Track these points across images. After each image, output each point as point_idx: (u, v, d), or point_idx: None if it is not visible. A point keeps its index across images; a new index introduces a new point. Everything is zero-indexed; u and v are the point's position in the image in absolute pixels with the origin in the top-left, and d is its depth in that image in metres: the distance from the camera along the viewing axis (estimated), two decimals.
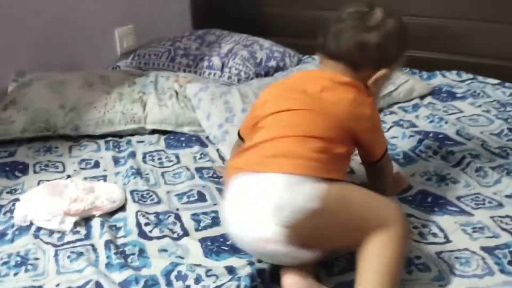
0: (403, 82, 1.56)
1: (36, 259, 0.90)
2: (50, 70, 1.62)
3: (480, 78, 1.71)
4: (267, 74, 1.77)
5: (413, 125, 1.42)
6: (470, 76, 1.72)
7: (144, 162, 1.25)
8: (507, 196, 1.06)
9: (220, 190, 1.10)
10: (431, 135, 1.35)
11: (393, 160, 1.22)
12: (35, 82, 1.47)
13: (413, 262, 0.87)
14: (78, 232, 0.97)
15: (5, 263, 0.88)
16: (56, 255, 0.91)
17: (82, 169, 1.24)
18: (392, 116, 1.49)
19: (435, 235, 0.95)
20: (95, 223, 0.99)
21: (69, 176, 1.19)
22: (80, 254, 0.90)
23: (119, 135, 1.41)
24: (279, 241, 0.77)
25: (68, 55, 1.79)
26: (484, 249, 0.90)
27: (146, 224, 0.98)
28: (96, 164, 1.26)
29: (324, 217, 0.77)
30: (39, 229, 0.98)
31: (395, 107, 1.55)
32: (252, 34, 1.99)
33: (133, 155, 1.27)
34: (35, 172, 1.22)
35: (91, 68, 1.76)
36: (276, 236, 0.76)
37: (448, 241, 0.93)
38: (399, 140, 1.33)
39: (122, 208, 1.04)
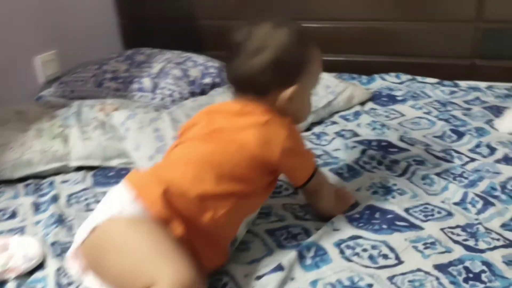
0: (342, 90, 1.51)
1: None
2: None
3: (419, 78, 1.69)
4: (203, 93, 1.68)
5: (356, 134, 1.37)
6: (409, 77, 1.70)
7: (69, 205, 1.13)
8: (455, 204, 1.02)
9: None
10: (374, 143, 1.30)
11: (337, 175, 1.17)
12: None
13: None
14: None
15: None
16: None
17: None
18: (333, 126, 1.43)
19: (385, 256, 0.88)
20: None
21: None
22: None
23: (41, 176, 1.27)
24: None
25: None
26: (438, 267, 0.84)
27: (69, 284, 0.86)
28: (13, 214, 1.12)
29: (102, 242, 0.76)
30: None
31: (336, 116, 1.49)
32: (186, 50, 1.90)
33: (55, 199, 1.14)
34: None
35: (10, 103, 1.60)
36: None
37: (399, 262, 0.87)
38: (342, 152, 1.28)
39: (41, 265, 0.92)
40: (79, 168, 1.29)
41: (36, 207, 1.14)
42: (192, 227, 0.78)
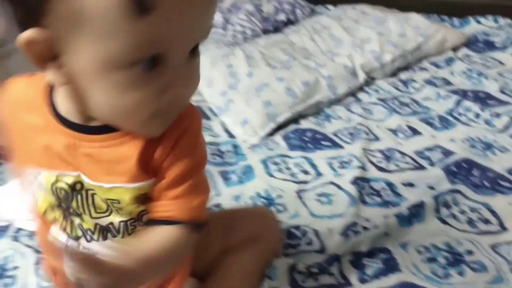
0: (433, 32, 1.35)
1: (15, 268, 0.77)
2: None
3: None
4: (276, 30, 1.56)
5: (448, 83, 1.23)
6: (509, 21, 1.50)
7: None
8: None
9: (224, 174, 0.94)
10: (469, 94, 1.16)
11: (428, 124, 1.06)
12: None
13: (464, 259, 0.71)
14: None
15: None
16: (37, 263, 0.77)
17: None
18: (422, 73, 1.29)
19: (487, 221, 0.79)
20: None
21: None
22: None
23: None
24: None
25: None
26: None
27: None
28: None
29: None
30: (18, 230, 0.84)
31: (425, 62, 1.34)
32: None
33: None
34: None
35: None
36: None
37: (503, 229, 0.77)
38: (433, 102, 1.15)
39: None
40: None
41: None
42: None
